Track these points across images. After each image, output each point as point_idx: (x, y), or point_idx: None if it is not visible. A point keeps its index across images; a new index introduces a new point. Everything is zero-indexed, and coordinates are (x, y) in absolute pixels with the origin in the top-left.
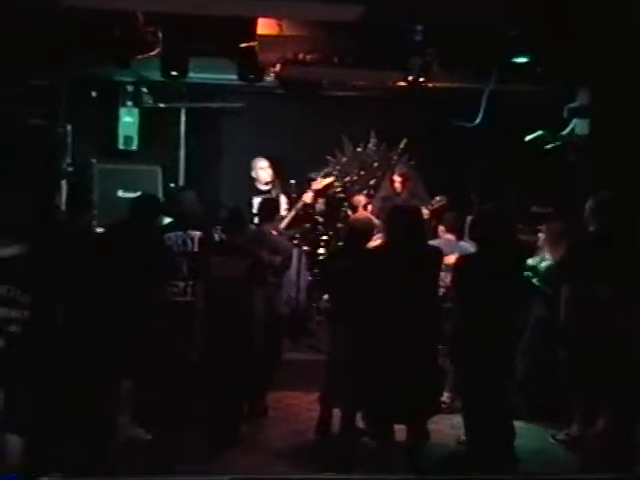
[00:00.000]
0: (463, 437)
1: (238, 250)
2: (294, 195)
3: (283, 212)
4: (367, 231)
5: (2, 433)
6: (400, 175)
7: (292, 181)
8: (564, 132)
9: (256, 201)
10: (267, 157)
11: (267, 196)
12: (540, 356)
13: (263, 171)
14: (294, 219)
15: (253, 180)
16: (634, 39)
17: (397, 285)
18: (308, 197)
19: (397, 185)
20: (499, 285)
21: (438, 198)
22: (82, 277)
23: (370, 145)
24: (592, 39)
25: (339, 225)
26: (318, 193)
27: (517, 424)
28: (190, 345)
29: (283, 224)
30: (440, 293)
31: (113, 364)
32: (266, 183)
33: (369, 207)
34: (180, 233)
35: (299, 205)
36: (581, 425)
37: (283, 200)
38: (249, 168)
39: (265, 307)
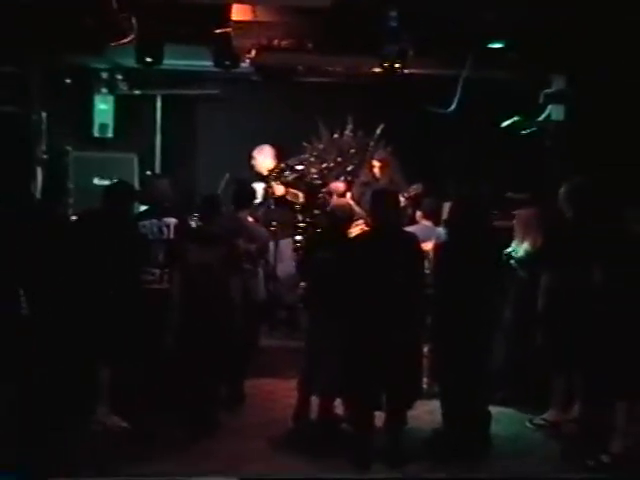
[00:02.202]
0: None
1: (213, 237)
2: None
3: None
4: (348, 217)
5: None
6: (379, 160)
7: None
8: (540, 118)
9: (257, 187)
10: (272, 145)
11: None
12: (518, 341)
13: (266, 158)
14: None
15: (254, 166)
16: (610, 25)
17: (376, 272)
18: (279, 190)
19: (376, 170)
20: (476, 271)
21: (415, 186)
22: (58, 265)
23: (347, 131)
24: (568, 24)
25: (316, 212)
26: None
27: (494, 409)
28: (167, 332)
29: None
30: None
31: (91, 352)
32: (268, 170)
33: (348, 194)
34: (155, 221)
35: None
36: (558, 410)
37: (281, 189)
38: (226, 154)
39: (241, 294)
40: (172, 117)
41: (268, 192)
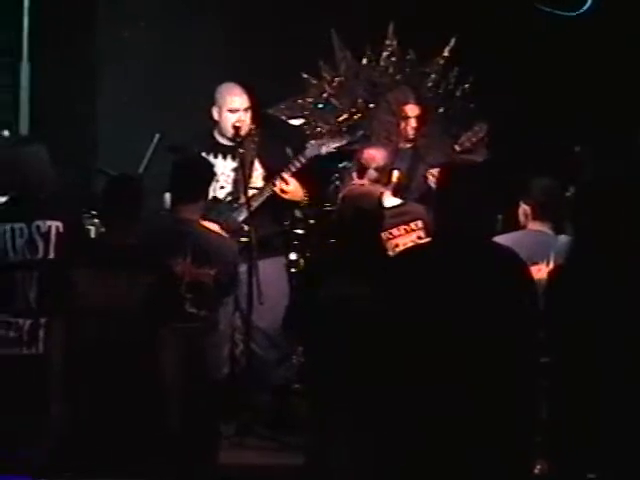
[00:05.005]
0: None
1: (129, 255)
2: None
3: (252, 191)
4: (370, 219)
5: None
6: (417, 105)
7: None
8: None
9: (219, 164)
10: (242, 84)
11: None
12: None
13: (236, 104)
14: (260, 208)
15: (214, 125)
16: None
17: (444, 322)
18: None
19: (410, 127)
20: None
21: (475, 128)
22: None
23: (385, 52)
24: None
25: (327, 207)
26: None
27: None
28: (44, 434)
29: (242, 215)
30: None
31: None
32: (236, 133)
33: (395, 174)
34: (20, 225)
35: (268, 189)
36: None
37: (258, 169)
38: (154, 100)
39: (186, 366)
40: (54, 27)
41: (245, 174)
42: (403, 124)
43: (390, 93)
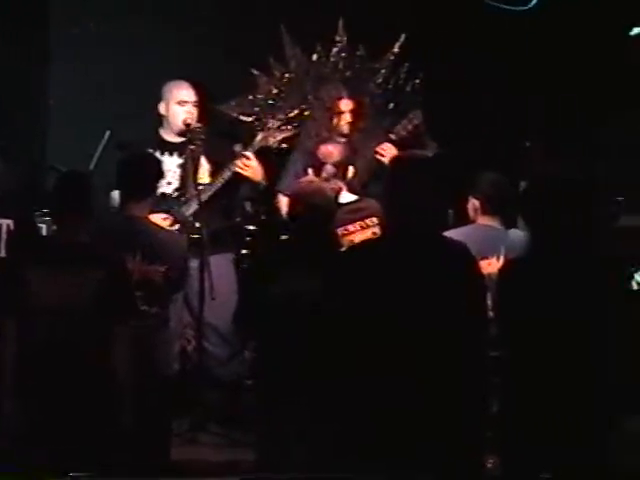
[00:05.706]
0: None
1: (81, 253)
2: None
3: (200, 187)
4: (323, 214)
5: None
6: (352, 101)
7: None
8: None
9: (167, 160)
10: (189, 80)
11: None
12: None
13: (184, 97)
14: (210, 202)
15: (161, 120)
16: None
17: (395, 316)
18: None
19: (344, 121)
20: (586, 315)
21: (410, 115)
22: None
23: (335, 48)
24: None
25: (278, 202)
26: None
27: None
28: None
29: (191, 209)
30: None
31: None
32: (186, 128)
33: (350, 169)
34: None
35: (223, 177)
36: None
37: (204, 165)
38: (103, 97)
39: (136, 362)
40: (2, 23)
41: (194, 170)
42: (336, 119)
43: (322, 89)
